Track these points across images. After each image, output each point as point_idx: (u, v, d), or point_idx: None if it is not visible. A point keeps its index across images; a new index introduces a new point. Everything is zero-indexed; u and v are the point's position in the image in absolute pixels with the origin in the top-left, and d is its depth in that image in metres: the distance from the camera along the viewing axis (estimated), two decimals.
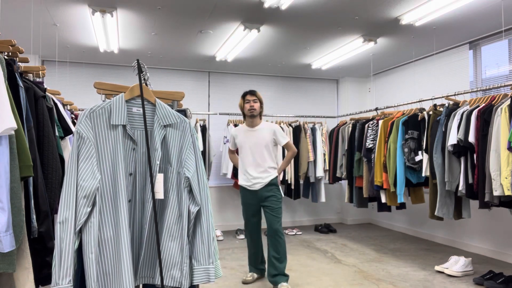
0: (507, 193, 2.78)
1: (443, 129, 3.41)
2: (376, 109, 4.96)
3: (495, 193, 2.86)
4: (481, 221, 4.38)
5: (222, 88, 6.15)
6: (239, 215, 6.06)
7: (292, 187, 5.52)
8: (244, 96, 3.45)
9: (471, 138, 3.11)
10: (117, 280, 1.46)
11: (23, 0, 3.37)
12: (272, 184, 3.35)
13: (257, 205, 3.41)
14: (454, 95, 3.58)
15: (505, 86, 3.15)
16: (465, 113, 3.22)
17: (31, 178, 1.72)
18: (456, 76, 4.80)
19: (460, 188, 3.23)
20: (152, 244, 1.58)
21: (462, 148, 3.21)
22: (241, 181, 3.44)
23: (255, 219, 3.45)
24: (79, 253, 1.47)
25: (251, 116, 3.40)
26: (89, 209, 1.44)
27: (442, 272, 3.72)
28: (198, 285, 1.85)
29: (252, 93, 3.41)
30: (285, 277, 3.28)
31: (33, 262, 1.74)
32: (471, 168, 3.19)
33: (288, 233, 5.60)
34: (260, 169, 3.35)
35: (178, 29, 4.17)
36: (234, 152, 3.72)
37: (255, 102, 3.38)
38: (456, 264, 3.66)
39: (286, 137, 3.47)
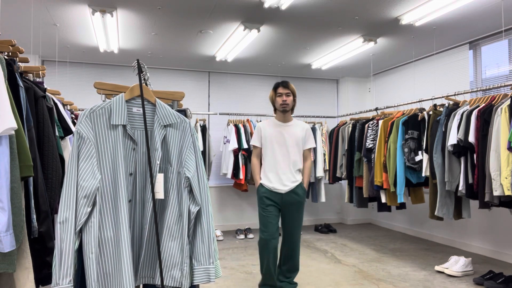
0: (507, 193, 2.78)
1: (443, 129, 3.41)
2: (376, 109, 4.95)
3: (495, 193, 2.86)
4: (481, 221, 4.38)
5: (222, 88, 6.15)
6: (239, 215, 6.06)
7: None
8: (275, 88, 3.07)
9: (471, 138, 3.10)
10: (117, 280, 1.46)
11: (23, 0, 3.38)
12: (299, 188, 3.04)
13: (278, 209, 3.05)
14: (454, 95, 3.58)
15: (505, 86, 3.15)
16: (465, 113, 3.22)
17: (31, 178, 1.72)
18: (456, 76, 4.80)
19: (460, 188, 3.23)
20: (152, 244, 1.58)
21: (462, 148, 3.21)
22: (264, 181, 3.05)
23: (275, 223, 3.01)
24: (79, 253, 1.47)
25: (283, 111, 3.07)
26: (89, 209, 1.44)
27: (442, 272, 3.72)
28: (198, 285, 1.85)
29: (285, 85, 3.03)
30: (293, 285, 3.16)
31: (33, 262, 1.74)
32: (471, 168, 3.19)
33: None
34: (289, 169, 3.02)
35: (178, 29, 4.17)
36: (259, 154, 3.17)
37: (287, 96, 3.03)
38: (456, 264, 3.66)
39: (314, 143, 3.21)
